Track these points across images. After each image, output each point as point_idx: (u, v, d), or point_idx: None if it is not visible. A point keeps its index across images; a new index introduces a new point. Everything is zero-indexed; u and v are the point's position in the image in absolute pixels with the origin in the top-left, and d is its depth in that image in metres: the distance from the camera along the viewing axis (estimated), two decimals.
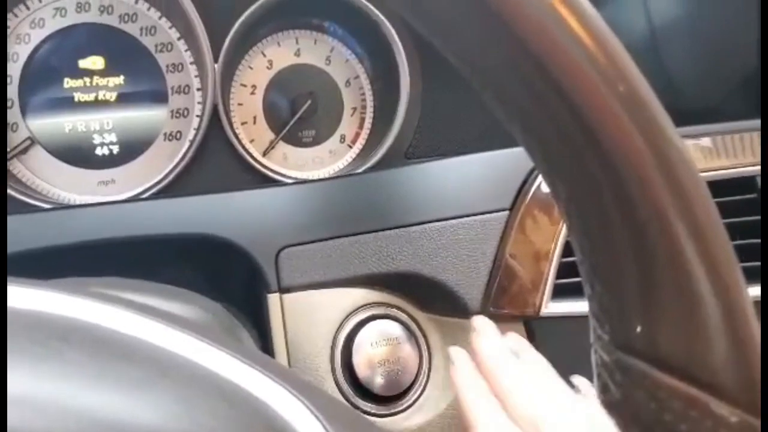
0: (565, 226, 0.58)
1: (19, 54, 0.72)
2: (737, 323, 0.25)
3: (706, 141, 0.64)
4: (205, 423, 0.22)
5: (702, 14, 0.85)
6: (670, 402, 0.25)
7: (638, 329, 0.26)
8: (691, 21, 0.85)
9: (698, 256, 0.25)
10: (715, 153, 0.64)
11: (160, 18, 0.75)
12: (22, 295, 0.25)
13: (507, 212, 0.60)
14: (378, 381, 0.59)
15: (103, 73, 0.74)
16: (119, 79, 0.75)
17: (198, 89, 0.76)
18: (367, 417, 0.58)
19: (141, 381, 0.23)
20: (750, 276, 0.26)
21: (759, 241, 0.61)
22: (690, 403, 0.25)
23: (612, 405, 0.27)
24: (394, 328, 0.60)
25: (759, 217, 0.62)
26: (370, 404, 0.59)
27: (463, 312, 0.60)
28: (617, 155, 0.24)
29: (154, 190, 0.72)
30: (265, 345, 0.59)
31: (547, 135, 0.25)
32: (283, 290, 0.59)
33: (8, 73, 0.72)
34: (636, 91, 0.25)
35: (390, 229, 0.60)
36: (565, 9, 0.24)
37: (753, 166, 0.64)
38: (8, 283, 0.25)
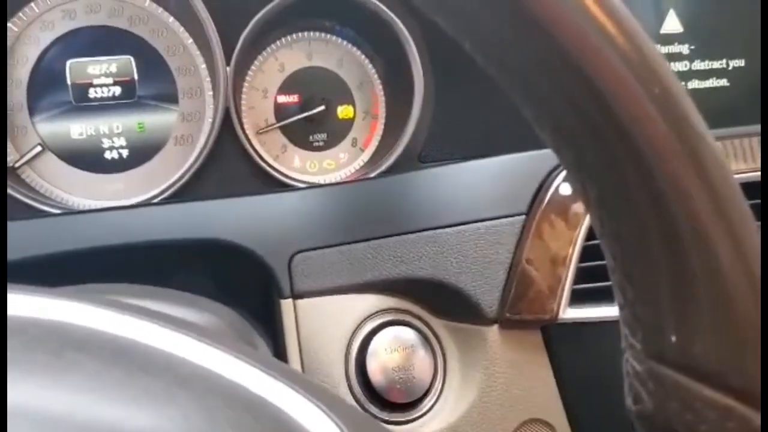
0: (591, 231, 0.57)
1: (28, 56, 0.71)
2: None
3: None
4: None
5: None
6: (706, 413, 0.25)
7: (673, 339, 0.25)
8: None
9: (735, 265, 0.24)
10: None
11: (171, 20, 0.75)
12: (37, 305, 0.24)
13: (523, 217, 0.59)
14: (392, 388, 0.58)
15: (112, 76, 0.74)
16: (129, 82, 0.74)
17: (209, 93, 0.76)
18: (389, 427, 0.58)
19: (161, 392, 0.22)
20: None
21: None
22: (726, 414, 0.24)
23: (645, 415, 0.26)
24: (408, 335, 0.59)
25: (759, 223, 0.61)
26: (384, 412, 0.58)
27: (479, 318, 0.59)
28: (652, 158, 0.24)
29: (164, 195, 0.72)
30: (278, 351, 0.58)
31: (579, 136, 0.25)
32: (297, 296, 0.58)
33: (17, 76, 0.71)
34: (671, 93, 0.24)
35: (404, 234, 0.59)
36: (599, 11, 0.23)
37: (753, 171, 0.63)
38: (22, 293, 0.24)
